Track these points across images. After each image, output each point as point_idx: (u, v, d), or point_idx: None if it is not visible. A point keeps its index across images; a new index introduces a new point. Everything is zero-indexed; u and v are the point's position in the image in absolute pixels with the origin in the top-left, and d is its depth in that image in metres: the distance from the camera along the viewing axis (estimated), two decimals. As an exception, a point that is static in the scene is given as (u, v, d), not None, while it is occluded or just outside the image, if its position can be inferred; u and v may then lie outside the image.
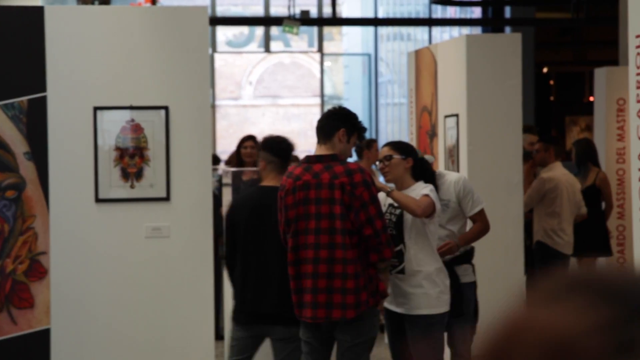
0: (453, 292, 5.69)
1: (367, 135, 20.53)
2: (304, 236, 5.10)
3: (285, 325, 5.42)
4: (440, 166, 8.05)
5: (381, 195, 5.42)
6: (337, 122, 5.17)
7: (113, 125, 6.42)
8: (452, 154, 7.85)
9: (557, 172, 8.54)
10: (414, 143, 8.73)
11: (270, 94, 20.79)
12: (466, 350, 6.02)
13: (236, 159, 9.09)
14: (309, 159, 5.19)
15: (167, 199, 6.38)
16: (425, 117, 8.52)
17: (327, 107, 5.42)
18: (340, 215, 5.02)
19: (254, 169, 8.48)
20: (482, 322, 6.31)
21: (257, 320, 5.44)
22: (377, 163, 5.61)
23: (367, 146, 10.30)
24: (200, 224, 6.51)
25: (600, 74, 10.39)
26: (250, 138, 9.11)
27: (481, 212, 5.96)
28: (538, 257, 8.54)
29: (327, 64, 21.08)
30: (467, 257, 5.99)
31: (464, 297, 5.80)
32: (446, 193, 5.96)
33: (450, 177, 5.99)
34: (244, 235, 5.46)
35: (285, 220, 5.18)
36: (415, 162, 5.58)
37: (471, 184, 6.02)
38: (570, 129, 20.22)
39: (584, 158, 9.30)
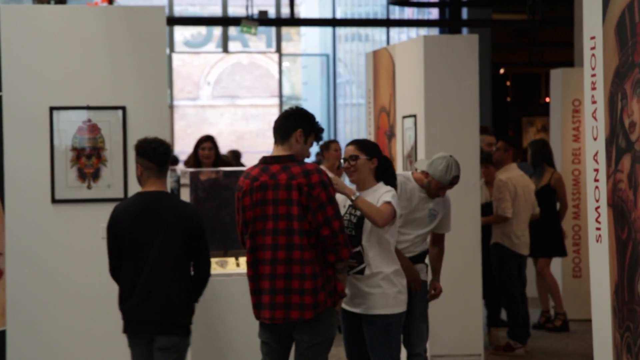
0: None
1: (325, 135, 20.40)
2: (261, 237, 5.09)
3: (169, 334, 5.28)
4: (398, 167, 8.08)
5: (340, 197, 5.43)
6: (294, 123, 5.16)
7: (69, 126, 6.37)
8: (411, 155, 7.88)
9: (513, 173, 8.60)
10: (372, 143, 8.74)
11: (228, 94, 20.74)
12: (423, 349, 6.05)
13: (194, 159, 9.06)
14: (265, 159, 5.17)
15: (124, 199, 6.35)
16: (384, 117, 8.54)
17: (286, 108, 5.37)
18: (297, 216, 5.02)
19: (213, 169, 8.46)
20: (433, 321, 6.34)
21: (144, 328, 5.30)
22: (342, 162, 5.60)
23: (325, 147, 10.29)
24: (157, 225, 6.48)
25: (556, 75, 10.48)
26: (208, 139, 9.08)
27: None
28: (495, 257, 8.60)
29: (285, 64, 21.07)
30: (421, 257, 6.04)
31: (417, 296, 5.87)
32: (438, 205, 6.06)
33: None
34: (129, 244, 5.29)
35: (242, 222, 5.17)
36: (379, 162, 5.60)
37: None
38: (526, 129, 20.38)
39: (540, 158, 9.38)
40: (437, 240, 6.22)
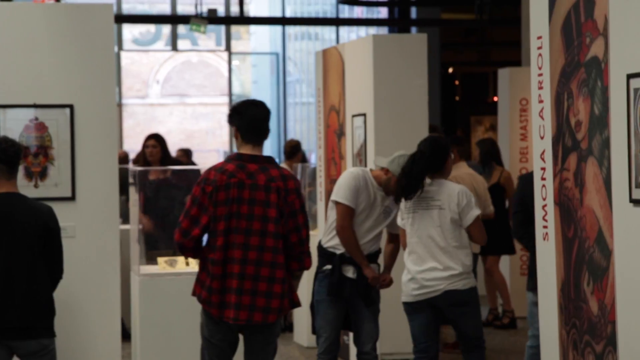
0: (364, 285, 5.93)
1: (275, 134, 20.38)
2: (234, 235, 5.01)
3: (36, 338, 5.09)
4: (348, 165, 8.10)
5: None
6: (268, 123, 5.17)
7: (16, 124, 6.30)
8: (360, 153, 7.91)
9: (460, 171, 8.63)
10: (322, 142, 8.76)
11: (177, 93, 20.64)
12: (372, 348, 6.08)
13: (142, 158, 9.00)
14: (241, 156, 5.09)
15: (72, 198, 6.30)
16: (333, 116, 8.56)
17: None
18: (274, 219, 4.98)
19: (162, 167, 8.42)
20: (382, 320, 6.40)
21: (6, 335, 5.03)
22: None
23: (297, 150, 10.34)
24: (106, 224, 6.43)
25: (504, 75, 10.57)
26: (152, 137, 9.01)
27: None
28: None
29: (235, 62, 21.01)
30: (374, 256, 6.08)
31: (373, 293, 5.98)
32: (392, 202, 6.19)
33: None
34: None
35: (213, 217, 5.03)
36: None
37: None
38: (475, 128, 20.53)
39: (488, 157, 9.44)
40: (393, 238, 6.25)
